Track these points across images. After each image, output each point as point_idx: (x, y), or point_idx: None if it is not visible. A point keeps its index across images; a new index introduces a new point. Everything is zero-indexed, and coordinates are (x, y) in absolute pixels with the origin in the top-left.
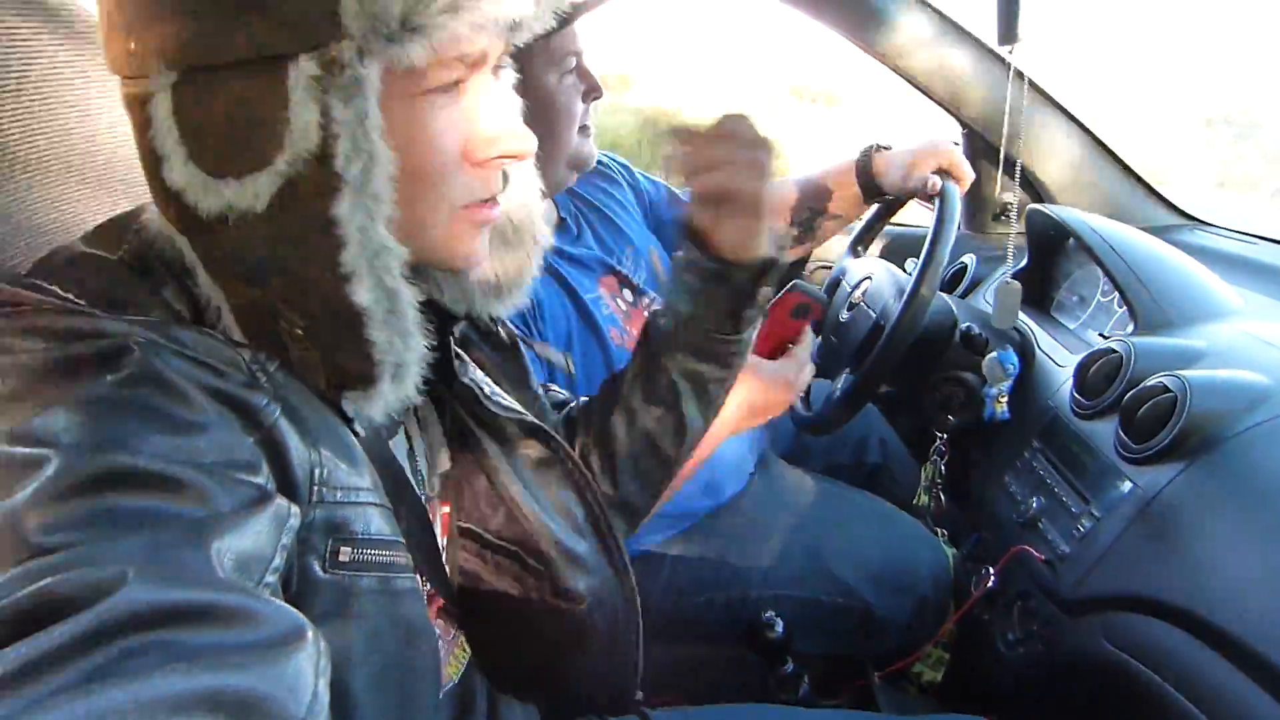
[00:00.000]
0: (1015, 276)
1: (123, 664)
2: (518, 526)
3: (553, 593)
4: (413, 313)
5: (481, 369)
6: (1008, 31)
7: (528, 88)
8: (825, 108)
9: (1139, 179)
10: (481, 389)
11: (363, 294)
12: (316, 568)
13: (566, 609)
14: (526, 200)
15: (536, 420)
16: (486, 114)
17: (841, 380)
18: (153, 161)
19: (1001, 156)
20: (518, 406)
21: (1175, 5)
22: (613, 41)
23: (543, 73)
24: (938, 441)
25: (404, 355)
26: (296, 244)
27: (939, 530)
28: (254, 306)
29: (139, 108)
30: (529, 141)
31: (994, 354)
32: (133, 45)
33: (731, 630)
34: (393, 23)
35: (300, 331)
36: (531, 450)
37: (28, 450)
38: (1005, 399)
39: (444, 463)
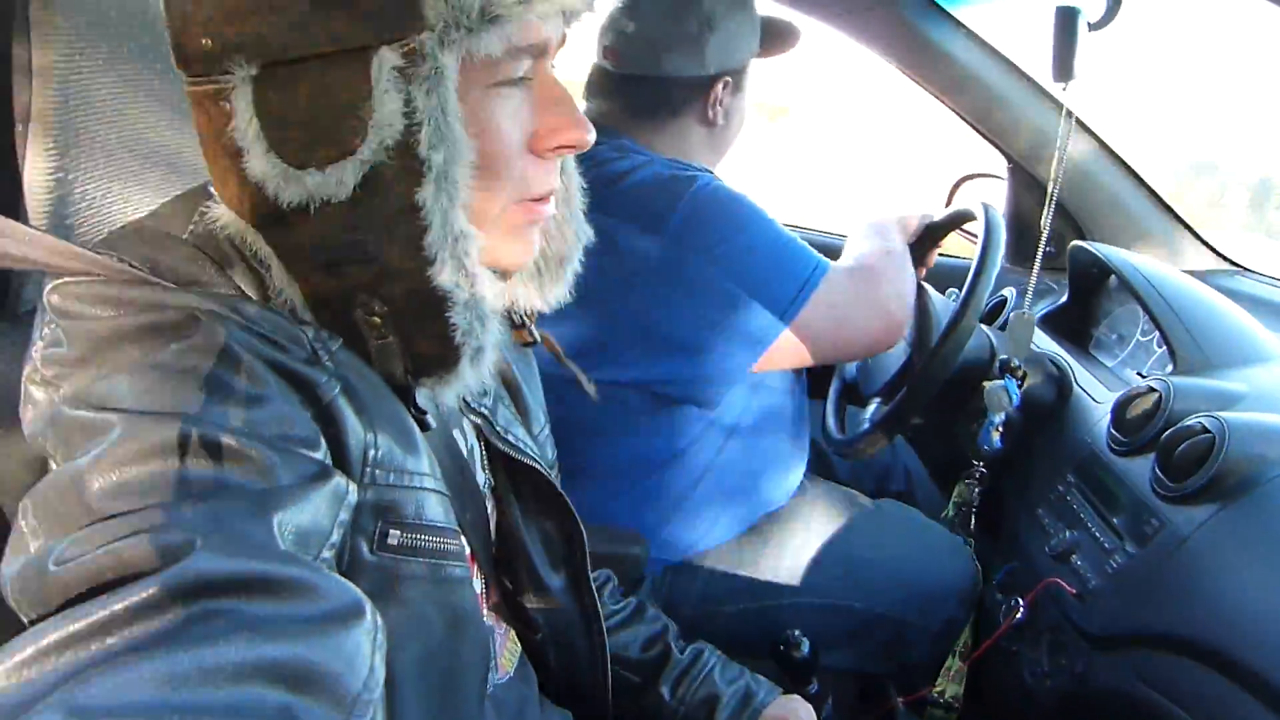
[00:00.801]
0: (1054, 312)
1: (189, 629)
2: (505, 547)
3: (512, 614)
4: (491, 297)
5: (504, 379)
6: (1063, 69)
7: None
8: (768, 121)
9: (1182, 221)
10: (493, 420)
11: (445, 276)
12: (364, 548)
13: (521, 632)
14: (577, 234)
15: (538, 463)
16: (548, 104)
17: (873, 407)
18: (228, 155)
19: (1051, 192)
20: (524, 442)
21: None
22: None
23: None
24: (974, 467)
25: (483, 338)
26: (379, 230)
27: (969, 540)
28: (330, 296)
29: (213, 103)
30: (589, 131)
31: (997, 382)
32: (208, 42)
33: (762, 642)
34: (472, 13)
35: (378, 319)
36: (528, 479)
37: (91, 414)
38: (1000, 430)
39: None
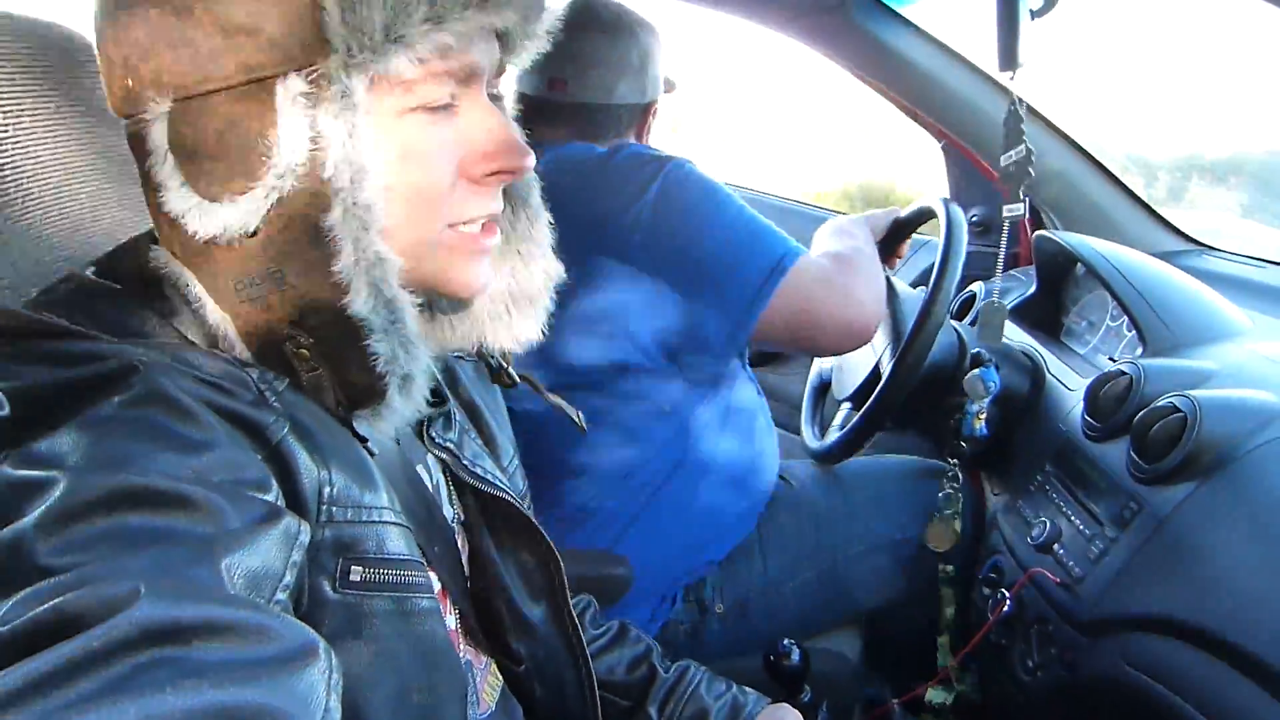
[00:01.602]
0: (1024, 304)
1: (135, 679)
2: (480, 579)
3: (493, 648)
4: (413, 323)
5: (470, 412)
6: (1008, 58)
7: None
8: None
9: (1144, 204)
10: (461, 454)
11: (359, 304)
12: (326, 587)
13: (504, 665)
14: (546, 273)
15: (509, 494)
16: (481, 130)
17: (844, 411)
18: (153, 193)
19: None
20: (493, 475)
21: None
22: None
23: None
24: (950, 467)
25: (409, 366)
26: (292, 259)
27: (944, 567)
28: (260, 330)
29: (138, 142)
30: (525, 157)
31: (975, 371)
32: (130, 82)
33: (829, 608)
34: (375, 34)
35: (306, 351)
36: (500, 511)
37: (35, 473)
38: (984, 416)
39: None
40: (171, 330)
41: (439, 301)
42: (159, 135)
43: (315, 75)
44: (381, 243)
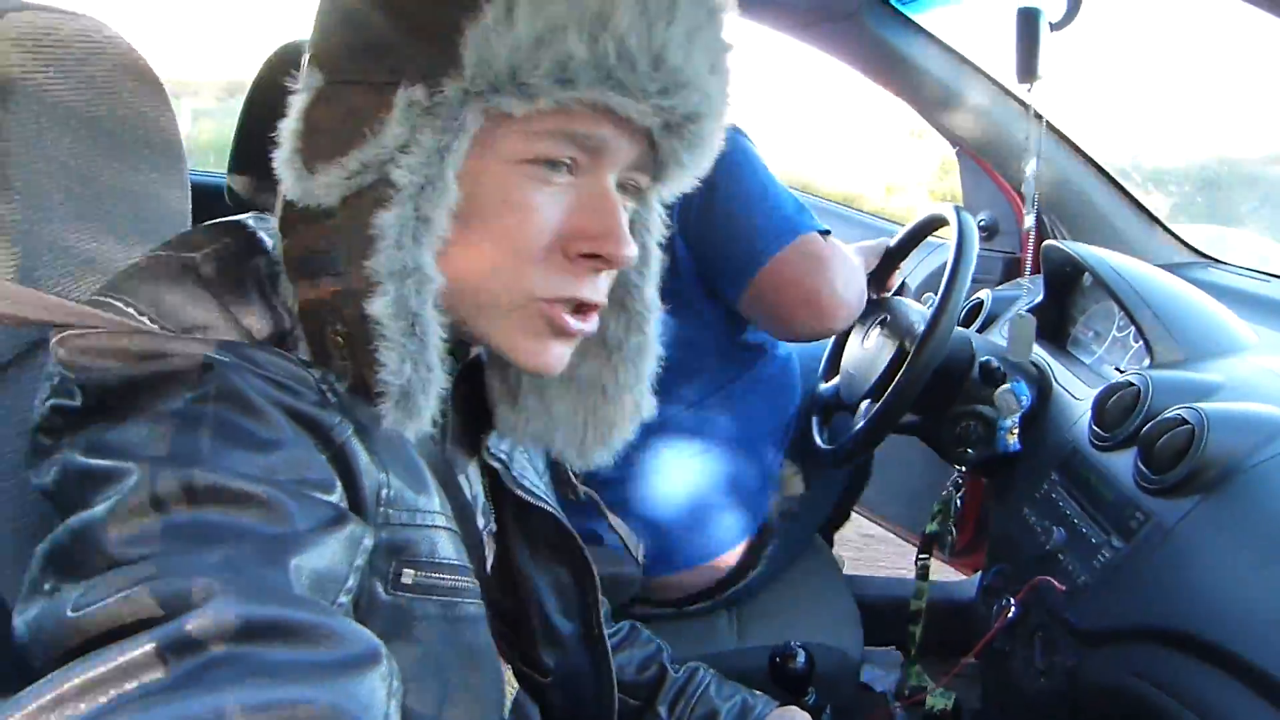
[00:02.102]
0: (1031, 311)
1: (207, 674)
2: (512, 594)
3: (521, 659)
4: (435, 344)
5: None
6: (1027, 70)
7: None
8: None
9: (1152, 217)
10: (510, 466)
11: (378, 305)
12: (380, 589)
13: (529, 675)
14: (635, 404)
15: (553, 508)
16: (589, 207)
17: (862, 409)
18: (276, 148)
19: (1031, 197)
20: (539, 490)
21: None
22: None
23: None
24: (955, 475)
25: (413, 384)
26: (347, 246)
27: (921, 557)
28: (311, 309)
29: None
30: (628, 248)
31: (1007, 386)
32: (311, 50)
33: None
34: (501, 72)
35: (341, 340)
36: (542, 525)
37: (106, 463)
38: (1016, 431)
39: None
40: (235, 325)
41: (519, 378)
42: (301, 102)
43: (439, 93)
44: (430, 258)
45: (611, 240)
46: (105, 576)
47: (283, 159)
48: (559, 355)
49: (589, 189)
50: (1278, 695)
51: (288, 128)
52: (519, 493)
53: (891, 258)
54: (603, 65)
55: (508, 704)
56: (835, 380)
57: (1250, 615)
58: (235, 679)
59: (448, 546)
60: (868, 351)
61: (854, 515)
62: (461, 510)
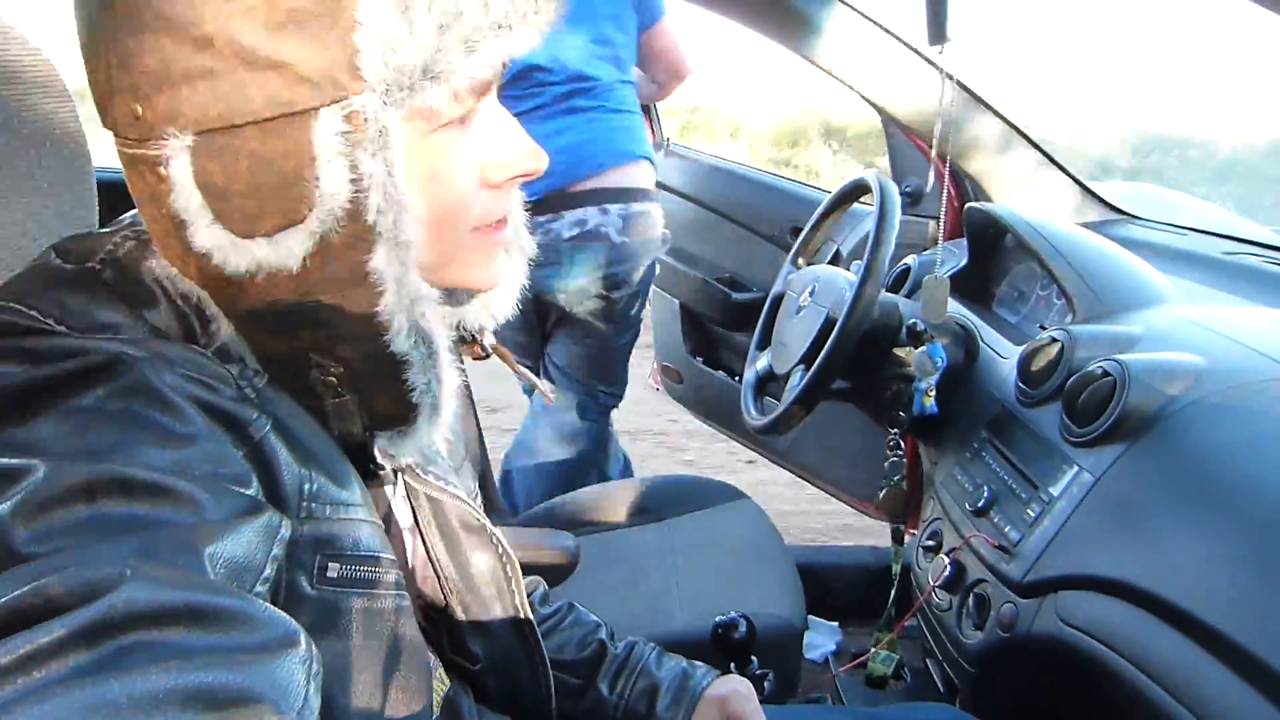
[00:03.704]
0: (956, 275)
1: (119, 660)
2: (431, 583)
3: (450, 648)
4: (446, 354)
5: None
6: (937, 33)
7: None
8: None
9: (1070, 175)
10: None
11: (401, 341)
12: (304, 583)
13: (460, 664)
14: (523, 251)
15: (463, 497)
16: (499, 139)
17: (794, 380)
18: (170, 222)
19: (944, 159)
20: (448, 482)
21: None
22: None
23: None
24: (889, 437)
25: (439, 393)
26: (332, 296)
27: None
28: (283, 356)
29: (149, 169)
30: (541, 158)
31: (922, 348)
32: (139, 109)
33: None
34: (415, 75)
35: (334, 379)
36: (454, 512)
37: (13, 460)
38: (934, 393)
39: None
40: (143, 323)
41: (457, 293)
42: (181, 170)
43: (349, 111)
44: (418, 278)
45: (529, 156)
46: (12, 572)
47: (201, 235)
48: (501, 265)
49: (489, 119)
50: (1204, 634)
51: (183, 203)
52: (424, 488)
53: (814, 226)
54: (497, 18)
55: (438, 696)
56: (768, 351)
57: (1174, 557)
58: (150, 663)
59: (372, 538)
60: (798, 321)
61: (828, 508)
62: (381, 503)
